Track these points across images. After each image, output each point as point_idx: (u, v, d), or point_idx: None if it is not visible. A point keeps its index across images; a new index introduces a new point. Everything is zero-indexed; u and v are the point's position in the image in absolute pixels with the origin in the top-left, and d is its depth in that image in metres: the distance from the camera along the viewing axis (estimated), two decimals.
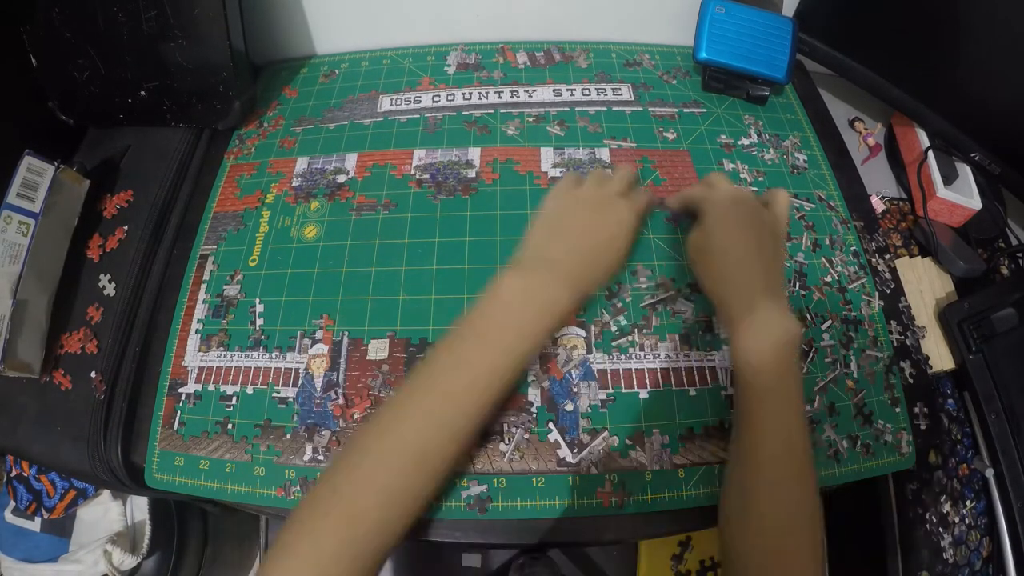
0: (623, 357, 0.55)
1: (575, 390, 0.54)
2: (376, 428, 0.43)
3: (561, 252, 0.50)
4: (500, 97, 0.72)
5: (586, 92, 0.73)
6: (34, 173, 0.59)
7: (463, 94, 0.73)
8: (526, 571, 0.59)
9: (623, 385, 0.54)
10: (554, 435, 0.52)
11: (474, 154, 0.67)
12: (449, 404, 0.43)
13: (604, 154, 0.67)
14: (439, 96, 0.73)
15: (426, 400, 0.43)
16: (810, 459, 0.45)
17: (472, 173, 0.66)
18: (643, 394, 0.54)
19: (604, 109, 0.71)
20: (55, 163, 0.61)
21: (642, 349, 0.56)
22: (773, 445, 0.44)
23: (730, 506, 0.46)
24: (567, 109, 0.71)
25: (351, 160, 0.68)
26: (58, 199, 0.61)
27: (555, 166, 0.66)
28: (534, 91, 0.73)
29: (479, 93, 0.73)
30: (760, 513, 0.43)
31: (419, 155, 0.68)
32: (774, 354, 0.44)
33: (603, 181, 0.56)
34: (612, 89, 0.73)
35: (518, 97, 0.72)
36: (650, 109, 0.71)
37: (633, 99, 0.72)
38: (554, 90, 0.73)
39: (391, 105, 0.72)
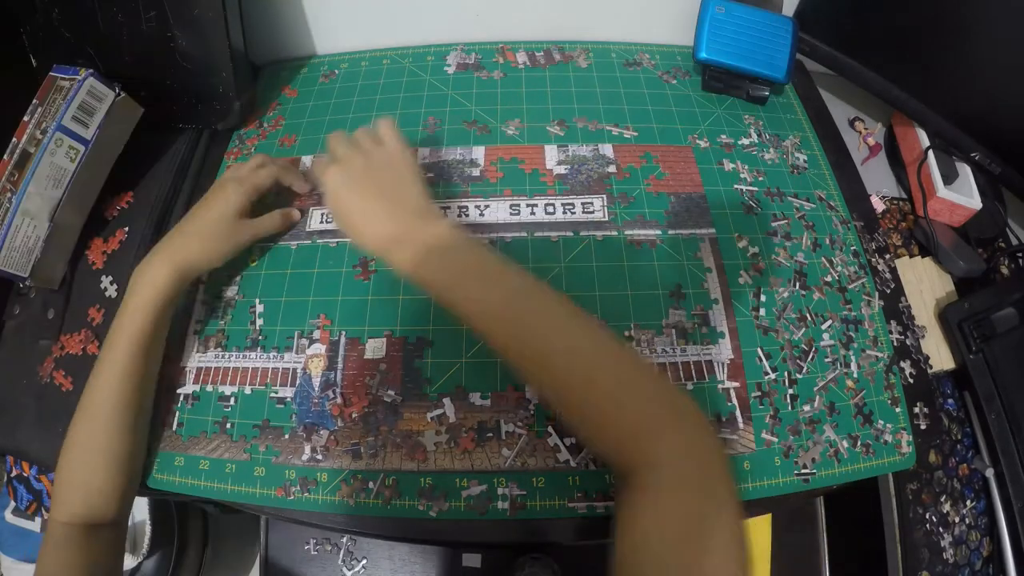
0: None
1: None
2: (73, 421, 0.53)
3: (175, 235, 0.57)
4: (445, 216, 0.59)
5: (550, 209, 0.63)
6: (94, 97, 0.60)
7: None
8: (526, 571, 0.59)
9: None
10: (552, 434, 0.52)
11: (478, 153, 0.68)
12: (101, 394, 0.52)
13: (608, 150, 0.67)
14: None
15: (90, 394, 0.52)
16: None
17: (476, 172, 0.66)
18: None
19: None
20: (115, 89, 0.61)
21: (639, 344, 0.56)
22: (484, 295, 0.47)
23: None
24: (535, 215, 0.63)
25: None
26: (111, 127, 0.62)
27: (560, 163, 0.66)
28: (486, 207, 0.64)
29: None
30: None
31: (423, 153, 0.68)
32: (440, 257, 0.49)
33: (237, 166, 0.61)
34: (583, 204, 0.63)
35: (467, 216, 0.63)
36: (626, 232, 0.61)
37: (606, 219, 0.62)
38: (511, 205, 0.63)
39: (321, 223, 0.65)
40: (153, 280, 0.53)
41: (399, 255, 0.50)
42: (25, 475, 0.74)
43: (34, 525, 0.76)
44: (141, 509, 0.78)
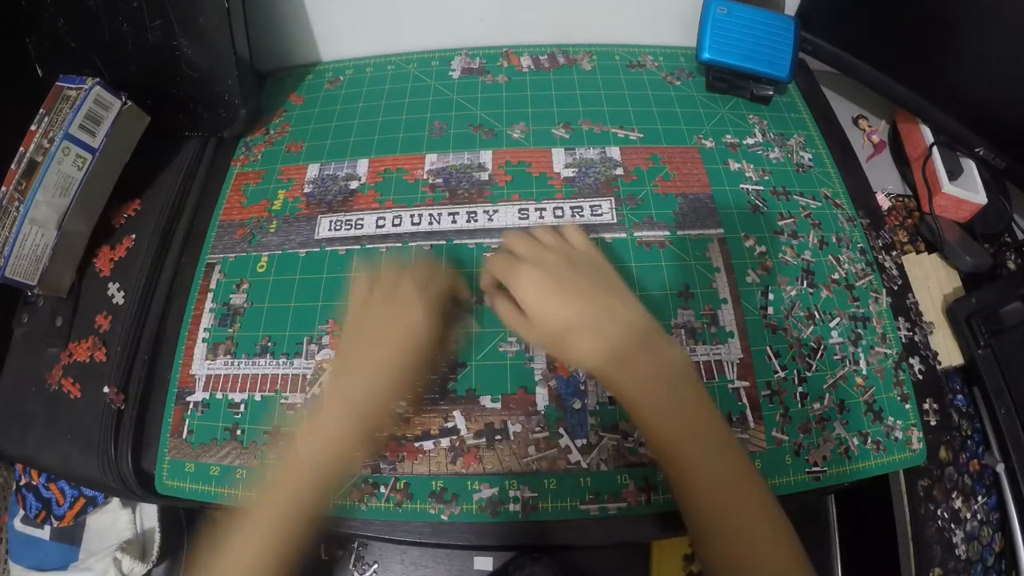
0: None
1: (583, 388, 0.54)
2: None
3: (348, 381, 0.47)
4: (455, 222, 0.63)
5: (559, 213, 0.63)
6: (100, 106, 0.59)
7: (411, 217, 0.64)
8: (526, 571, 0.59)
9: None
10: (564, 436, 0.52)
11: (486, 157, 0.68)
12: (251, 560, 0.42)
13: (615, 152, 0.67)
14: (384, 219, 0.64)
15: (231, 559, 0.42)
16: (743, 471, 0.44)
17: (485, 176, 0.66)
18: None
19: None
20: (122, 97, 0.61)
21: None
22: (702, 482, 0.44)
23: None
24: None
25: (362, 166, 0.68)
26: (118, 135, 0.61)
27: (567, 166, 0.66)
28: (495, 212, 0.64)
29: (431, 216, 0.64)
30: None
31: (431, 159, 0.68)
32: (665, 385, 0.44)
33: (394, 282, 0.49)
34: (591, 207, 0.63)
35: (476, 221, 0.63)
36: (635, 234, 0.61)
37: (615, 221, 0.62)
38: (520, 209, 0.64)
39: (329, 231, 0.64)
40: (340, 447, 0.44)
41: (619, 376, 0.44)
42: (34, 483, 0.74)
43: (43, 533, 0.75)
44: (150, 516, 0.77)
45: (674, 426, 0.44)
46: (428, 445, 0.53)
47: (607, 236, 0.61)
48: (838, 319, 0.58)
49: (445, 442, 0.53)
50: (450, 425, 0.53)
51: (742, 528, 0.43)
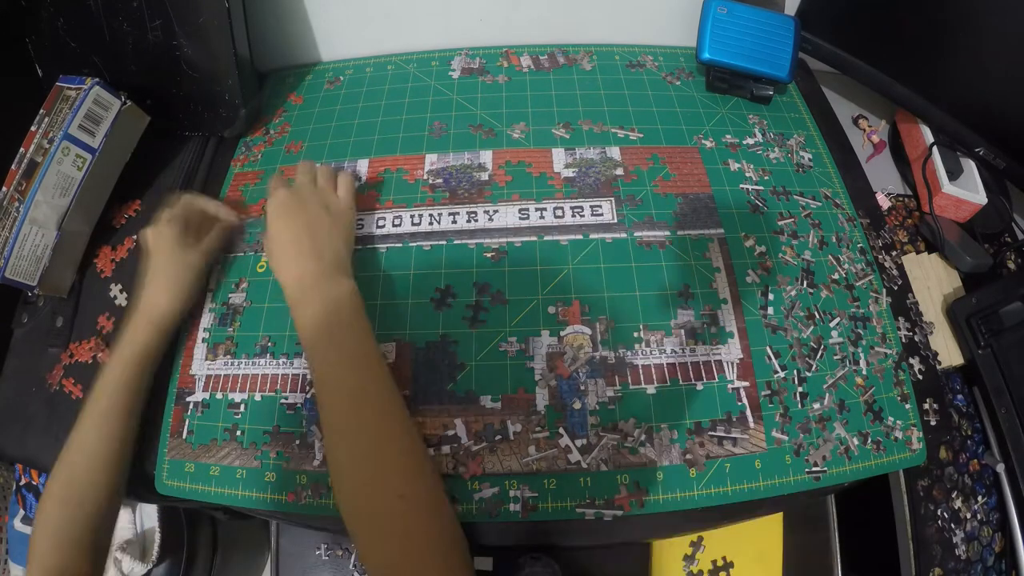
0: (629, 353, 0.55)
1: (583, 388, 0.54)
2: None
3: (140, 294, 0.57)
4: (455, 222, 0.63)
5: (559, 213, 0.63)
6: (100, 106, 0.60)
7: (411, 217, 0.64)
8: (526, 571, 0.59)
9: (630, 381, 0.54)
10: (564, 436, 0.52)
11: (486, 157, 0.68)
12: (80, 450, 0.52)
13: (615, 152, 0.67)
14: (384, 219, 0.64)
15: (69, 448, 0.52)
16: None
17: (485, 176, 0.66)
18: (650, 390, 0.54)
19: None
20: (122, 97, 0.61)
21: (648, 345, 0.56)
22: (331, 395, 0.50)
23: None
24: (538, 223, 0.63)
25: (362, 166, 0.68)
26: (118, 135, 0.62)
27: (567, 166, 0.66)
28: (495, 212, 0.64)
29: (431, 216, 0.64)
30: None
31: (431, 159, 0.68)
32: (325, 319, 0.52)
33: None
34: (591, 208, 0.63)
35: (476, 221, 0.63)
36: (635, 234, 0.61)
37: (615, 221, 0.62)
38: (520, 209, 0.64)
39: None
40: (132, 339, 0.54)
41: (302, 312, 0.52)
42: (34, 483, 0.74)
43: None
44: (151, 516, 0.78)
45: (329, 359, 0.51)
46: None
47: (607, 236, 0.61)
48: (838, 319, 0.58)
49: (446, 448, 0.53)
50: (450, 433, 0.53)
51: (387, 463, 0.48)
